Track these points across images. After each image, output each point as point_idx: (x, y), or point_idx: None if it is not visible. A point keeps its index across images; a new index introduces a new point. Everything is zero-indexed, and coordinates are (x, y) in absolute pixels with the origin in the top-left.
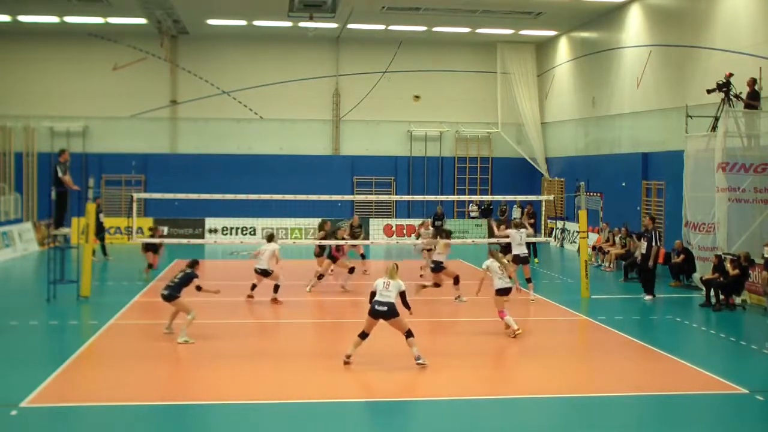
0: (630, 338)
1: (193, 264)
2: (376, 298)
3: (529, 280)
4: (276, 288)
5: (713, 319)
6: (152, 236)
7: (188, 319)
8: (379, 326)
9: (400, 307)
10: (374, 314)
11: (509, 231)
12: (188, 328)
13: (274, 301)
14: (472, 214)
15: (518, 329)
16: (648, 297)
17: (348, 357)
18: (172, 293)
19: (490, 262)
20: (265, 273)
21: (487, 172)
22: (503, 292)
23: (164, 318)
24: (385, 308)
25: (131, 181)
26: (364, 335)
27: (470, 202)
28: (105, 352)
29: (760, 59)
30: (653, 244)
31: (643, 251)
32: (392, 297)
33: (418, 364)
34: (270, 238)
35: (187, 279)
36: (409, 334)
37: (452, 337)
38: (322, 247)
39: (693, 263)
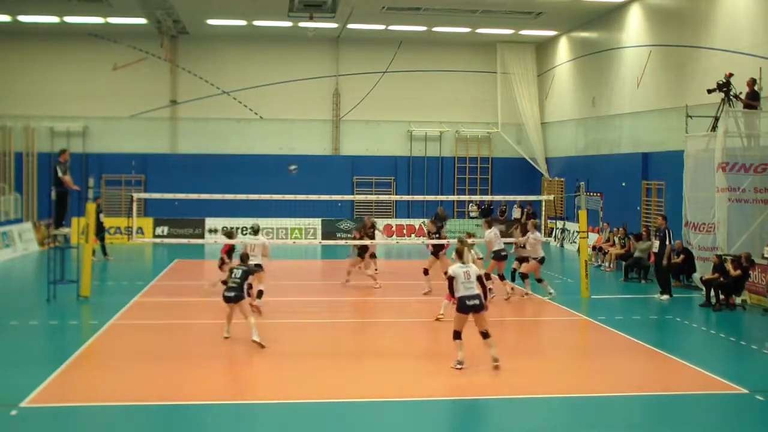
0: (630, 338)
1: (245, 258)
2: (462, 293)
3: (524, 277)
4: (260, 293)
5: (713, 319)
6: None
7: (252, 322)
8: (371, 326)
9: None
10: (466, 310)
11: (538, 234)
12: (256, 324)
13: (254, 307)
14: (472, 214)
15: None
16: (665, 297)
17: (460, 363)
18: (239, 294)
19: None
20: (258, 268)
21: (487, 172)
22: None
23: (164, 318)
24: (477, 302)
25: (131, 181)
26: (458, 335)
27: (470, 202)
28: (105, 352)
29: (760, 59)
30: (667, 242)
31: (655, 250)
32: (476, 287)
33: (495, 366)
34: (257, 231)
35: (246, 275)
36: (487, 334)
37: (450, 337)
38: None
39: (693, 263)
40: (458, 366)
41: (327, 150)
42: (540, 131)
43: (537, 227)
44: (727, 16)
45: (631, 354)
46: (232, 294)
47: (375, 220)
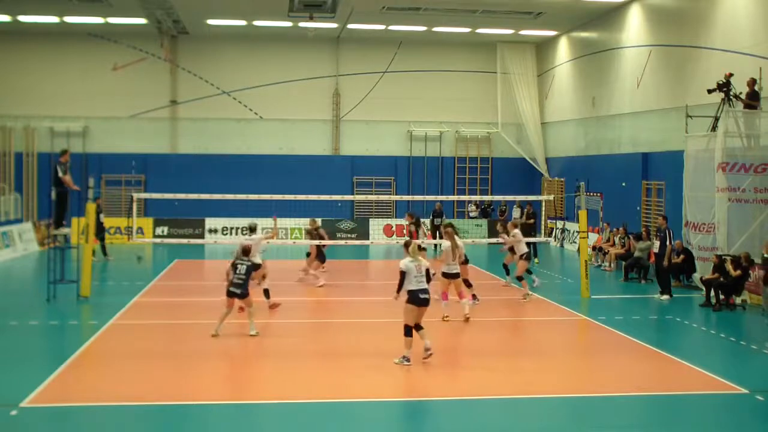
0: (630, 338)
1: (246, 251)
2: (414, 286)
3: (520, 279)
4: (267, 293)
5: (713, 319)
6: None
7: (251, 311)
8: (370, 326)
9: None
10: (419, 303)
11: (517, 231)
12: (254, 319)
13: (273, 307)
14: (471, 215)
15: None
16: (665, 297)
17: (408, 360)
18: (245, 291)
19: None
20: (257, 267)
21: (487, 172)
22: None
23: (164, 318)
24: (428, 296)
25: (131, 181)
26: (410, 330)
27: (470, 202)
28: (105, 352)
29: (760, 59)
30: (667, 243)
31: (656, 250)
32: (425, 282)
33: (427, 355)
34: (254, 229)
35: (251, 271)
36: (420, 326)
37: (451, 337)
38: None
39: (693, 263)
40: (405, 362)
41: (327, 150)
42: (540, 131)
43: (516, 226)
44: (727, 16)
45: (631, 354)
46: (239, 291)
47: (318, 224)
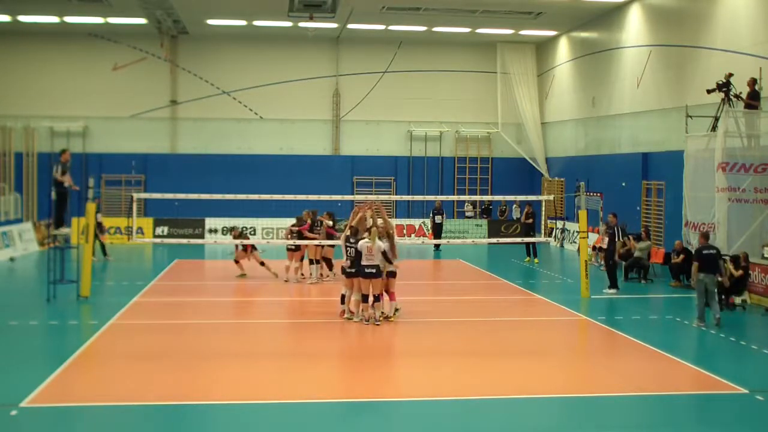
0: (630, 338)
1: (356, 232)
2: (363, 262)
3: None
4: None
5: (713, 319)
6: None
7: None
8: (368, 326)
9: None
10: (365, 275)
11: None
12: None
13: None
14: (467, 214)
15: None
16: (612, 290)
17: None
18: (380, 270)
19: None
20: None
21: (487, 172)
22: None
23: (164, 318)
24: (373, 270)
25: (131, 181)
26: (365, 297)
27: (465, 202)
28: (105, 352)
29: (760, 59)
30: (616, 239)
31: (604, 246)
32: (376, 260)
33: (381, 321)
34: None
35: (360, 252)
36: (378, 298)
37: (451, 337)
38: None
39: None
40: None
41: (327, 150)
42: (540, 131)
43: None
44: (727, 16)
45: (631, 354)
46: (373, 270)
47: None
